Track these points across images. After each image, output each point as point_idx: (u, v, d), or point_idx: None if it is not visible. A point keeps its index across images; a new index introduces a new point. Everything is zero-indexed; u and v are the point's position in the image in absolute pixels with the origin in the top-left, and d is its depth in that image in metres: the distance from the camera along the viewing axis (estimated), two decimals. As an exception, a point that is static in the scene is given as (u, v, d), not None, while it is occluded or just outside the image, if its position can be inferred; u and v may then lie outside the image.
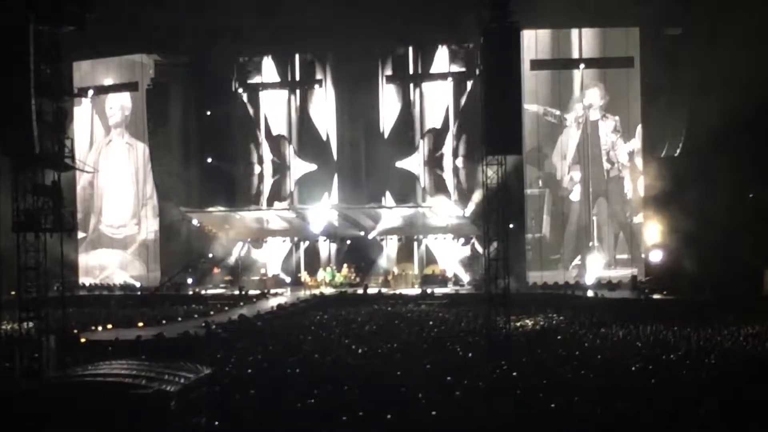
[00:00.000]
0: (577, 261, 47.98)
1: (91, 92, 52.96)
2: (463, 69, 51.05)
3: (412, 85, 52.81)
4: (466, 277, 49.26)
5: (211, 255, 52.99)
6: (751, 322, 33.18)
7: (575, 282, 46.93)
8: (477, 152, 42.16)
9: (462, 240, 50.66)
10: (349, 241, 52.08)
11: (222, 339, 32.75)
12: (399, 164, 52.17)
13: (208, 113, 53.37)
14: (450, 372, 24.83)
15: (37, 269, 25.52)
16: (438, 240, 51.35)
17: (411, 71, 52.63)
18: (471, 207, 47.69)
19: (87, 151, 52.98)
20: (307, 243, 53.11)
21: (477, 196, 44.03)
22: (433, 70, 52.24)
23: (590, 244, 48.07)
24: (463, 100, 51.46)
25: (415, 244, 52.18)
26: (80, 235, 52.41)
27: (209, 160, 53.46)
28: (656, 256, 46.91)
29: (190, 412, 21.11)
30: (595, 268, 47.43)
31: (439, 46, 51.70)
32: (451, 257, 51.06)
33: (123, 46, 50.61)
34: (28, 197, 25.27)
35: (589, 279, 46.93)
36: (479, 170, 35.09)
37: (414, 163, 52.51)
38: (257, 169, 54.57)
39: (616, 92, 47.99)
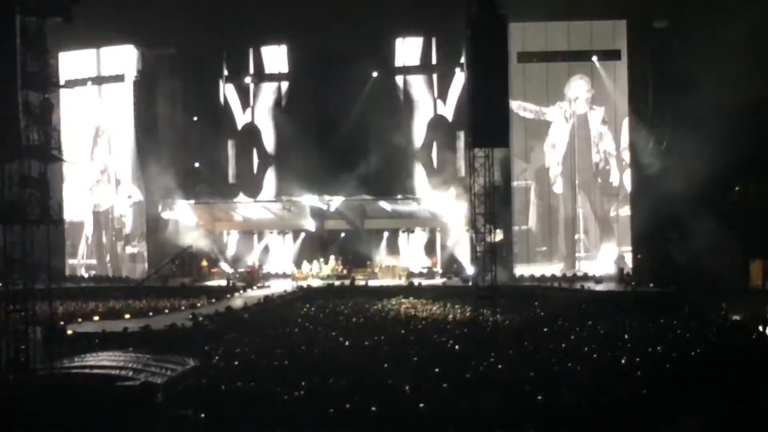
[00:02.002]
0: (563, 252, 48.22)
1: (77, 83, 52.75)
2: (451, 61, 50.99)
3: (399, 77, 52.74)
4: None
5: (195, 248, 52.85)
6: (737, 314, 33.29)
7: (562, 275, 47.03)
8: (466, 144, 42.18)
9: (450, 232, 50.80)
10: (337, 233, 52.14)
11: (209, 331, 32.73)
12: (388, 156, 52.06)
13: (195, 119, 53.14)
14: (437, 365, 24.87)
15: (24, 261, 25.43)
16: (428, 232, 51.49)
17: (398, 63, 52.56)
18: (461, 199, 47.66)
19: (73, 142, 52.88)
20: (293, 235, 53.10)
21: (464, 188, 44.02)
22: (421, 61, 52.18)
23: (576, 236, 48.16)
24: (450, 93, 51.53)
25: (404, 236, 52.19)
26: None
27: (196, 165, 53.35)
28: (641, 251, 46.94)
29: (176, 404, 21.14)
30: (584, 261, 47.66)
31: (428, 38, 51.66)
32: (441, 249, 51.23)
33: (110, 37, 50.46)
34: (14, 188, 25.18)
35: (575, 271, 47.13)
36: (467, 162, 35.14)
37: (404, 155, 52.43)
38: (243, 161, 54.48)
39: (603, 85, 48.05)
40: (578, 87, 48.12)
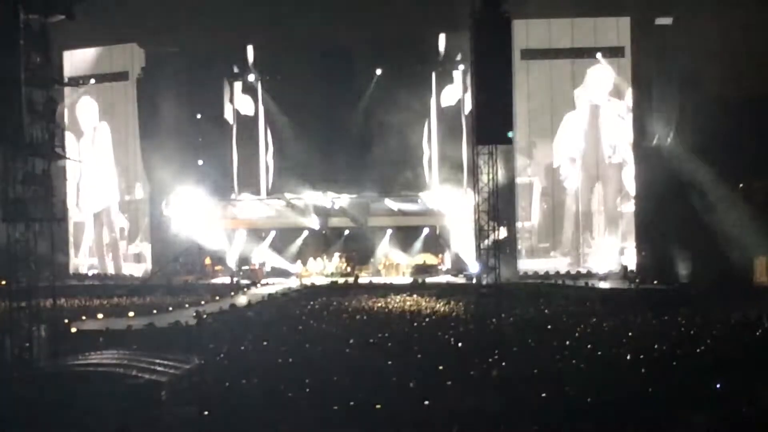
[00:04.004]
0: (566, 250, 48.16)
1: (81, 81, 52.72)
2: (456, 58, 50.92)
3: (405, 73, 52.66)
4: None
5: (199, 246, 52.93)
6: (741, 310, 33.23)
7: (566, 272, 47.01)
8: (469, 141, 42.16)
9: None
10: (341, 231, 52.13)
11: (213, 329, 32.71)
12: (395, 153, 52.09)
13: (198, 116, 53.11)
14: (441, 362, 24.85)
15: (27, 259, 25.46)
16: (431, 230, 51.52)
17: (404, 59, 52.45)
18: (466, 197, 47.63)
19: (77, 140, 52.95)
20: (298, 233, 53.05)
21: (471, 185, 43.99)
22: (425, 58, 52.12)
23: (580, 232, 48.09)
24: (454, 90, 51.55)
25: (408, 233, 52.13)
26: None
27: (200, 162, 53.32)
28: (645, 248, 46.87)
29: (180, 402, 21.15)
30: (585, 258, 47.58)
31: (433, 35, 51.60)
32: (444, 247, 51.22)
33: (113, 35, 50.44)
34: (18, 186, 25.20)
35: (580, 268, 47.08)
36: (471, 159, 35.18)
37: (410, 153, 52.41)
38: (247, 159, 54.42)
39: (603, 82, 48.02)
40: (595, 80, 48.01)
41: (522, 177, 48.41)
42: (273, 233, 53.68)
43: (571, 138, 48.17)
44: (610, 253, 47.71)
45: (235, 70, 53.90)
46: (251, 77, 53.92)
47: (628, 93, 47.83)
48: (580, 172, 48.20)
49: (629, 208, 47.84)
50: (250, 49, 53.19)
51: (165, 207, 51.81)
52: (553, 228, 48.39)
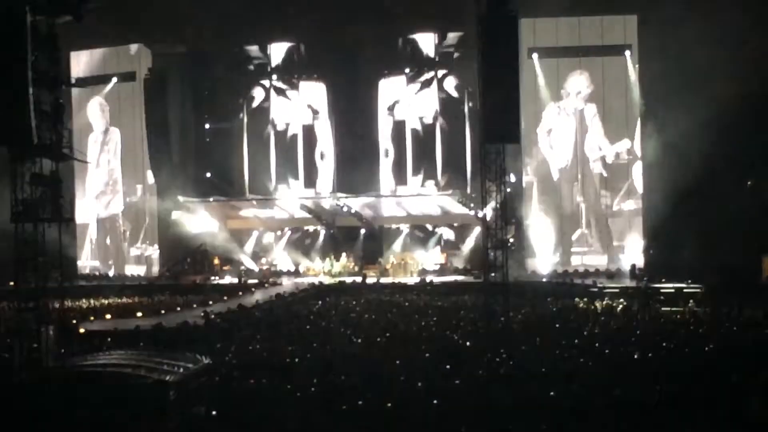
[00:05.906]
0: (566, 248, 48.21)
1: (88, 82, 52.91)
2: (461, 57, 50.95)
3: (409, 73, 52.69)
4: None
5: (207, 246, 53.08)
6: (750, 309, 33.18)
7: (574, 270, 46.98)
8: (476, 141, 42.16)
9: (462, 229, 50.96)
10: (349, 231, 52.16)
11: (221, 329, 32.73)
12: (397, 153, 52.17)
13: (207, 126, 53.32)
14: (449, 361, 24.83)
15: (36, 259, 25.46)
16: (438, 229, 51.54)
17: (408, 58, 52.48)
18: (472, 196, 47.65)
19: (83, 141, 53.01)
20: (306, 233, 53.15)
21: (477, 184, 44.01)
22: (430, 57, 52.17)
23: (578, 231, 48.09)
24: (459, 89, 51.64)
25: (415, 232, 52.16)
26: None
27: (208, 175, 53.43)
28: (653, 247, 46.89)
29: (189, 402, 21.11)
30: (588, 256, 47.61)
31: (438, 33, 51.64)
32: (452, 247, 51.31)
33: (121, 35, 50.56)
34: (26, 187, 25.20)
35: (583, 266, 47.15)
36: (478, 158, 35.06)
37: (413, 152, 52.46)
38: (256, 160, 54.49)
39: (612, 80, 47.96)
40: (578, 82, 48.09)
41: (527, 176, 48.44)
42: (280, 234, 53.81)
43: (556, 140, 48.28)
44: (613, 252, 47.74)
45: (249, 67, 54.04)
46: (259, 78, 54.09)
47: (605, 96, 47.88)
48: (575, 172, 48.16)
49: (630, 206, 47.77)
50: (256, 49, 53.32)
51: (173, 207, 51.89)
52: (554, 227, 48.37)
